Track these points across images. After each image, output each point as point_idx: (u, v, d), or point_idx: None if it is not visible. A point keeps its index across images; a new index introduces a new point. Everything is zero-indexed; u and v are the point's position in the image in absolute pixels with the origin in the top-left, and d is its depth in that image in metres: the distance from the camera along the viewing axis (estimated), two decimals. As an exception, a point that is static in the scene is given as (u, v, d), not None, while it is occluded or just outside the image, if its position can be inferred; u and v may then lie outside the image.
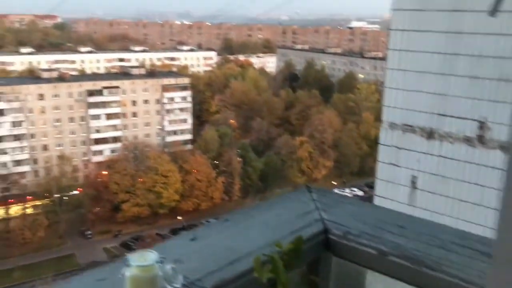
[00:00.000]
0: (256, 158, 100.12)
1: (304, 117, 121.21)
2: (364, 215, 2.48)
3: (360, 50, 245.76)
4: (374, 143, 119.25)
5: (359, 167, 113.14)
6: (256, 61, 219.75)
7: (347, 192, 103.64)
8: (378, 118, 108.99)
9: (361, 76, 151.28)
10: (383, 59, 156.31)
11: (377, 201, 8.85)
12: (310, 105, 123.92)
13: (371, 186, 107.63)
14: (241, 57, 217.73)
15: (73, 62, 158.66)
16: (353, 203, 2.75)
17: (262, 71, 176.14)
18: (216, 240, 2.12)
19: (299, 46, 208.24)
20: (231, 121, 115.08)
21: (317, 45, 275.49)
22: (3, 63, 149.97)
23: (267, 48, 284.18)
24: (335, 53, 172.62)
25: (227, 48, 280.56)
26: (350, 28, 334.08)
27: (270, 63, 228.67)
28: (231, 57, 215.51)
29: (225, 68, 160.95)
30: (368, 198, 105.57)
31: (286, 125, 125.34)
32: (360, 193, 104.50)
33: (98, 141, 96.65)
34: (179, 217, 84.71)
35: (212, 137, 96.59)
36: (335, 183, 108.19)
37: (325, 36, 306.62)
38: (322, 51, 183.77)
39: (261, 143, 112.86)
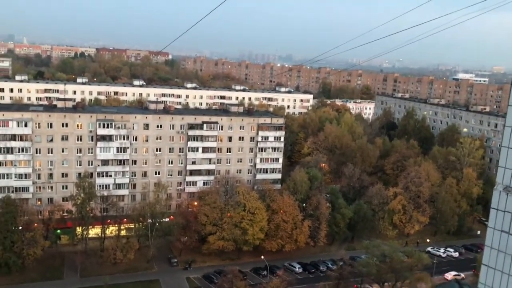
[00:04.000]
0: (346, 205, 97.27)
1: (399, 167, 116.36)
2: None
3: (465, 103, 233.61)
4: (475, 202, 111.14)
5: (457, 226, 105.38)
6: (353, 106, 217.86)
7: (441, 252, 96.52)
8: (481, 176, 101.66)
9: (464, 130, 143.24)
10: (490, 113, 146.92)
11: (484, 270, 7.87)
12: (407, 155, 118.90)
13: (468, 248, 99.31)
14: (338, 102, 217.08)
15: (178, 96, 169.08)
16: None
17: (358, 116, 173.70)
18: None
19: (399, 94, 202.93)
20: (322, 164, 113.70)
21: (418, 95, 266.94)
22: (117, 92, 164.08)
23: (366, 94, 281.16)
24: (437, 104, 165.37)
25: (325, 91, 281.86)
26: (456, 79, 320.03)
27: (367, 109, 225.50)
28: (328, 100, 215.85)
29: (321, 111, 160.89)
30: (465, 261, 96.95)
31: (379, 174, 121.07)
32: (456, 254, 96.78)
33: (192, 172, 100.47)
34: (262, 257, 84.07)
35: (301, 179, 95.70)
36: (429, 240, 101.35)
37: (428, 86, 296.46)
38: (424, 101, 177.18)
39: (352, 190, 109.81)
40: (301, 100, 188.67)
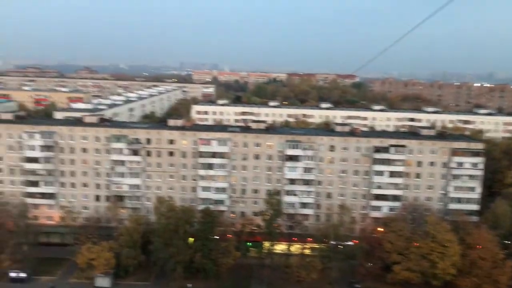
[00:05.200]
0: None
1: None
2: None
3: None
4: None
5: None
6: None
7: None
8: None
9: None
10: None
11: None
12: None
13: None
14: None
15: (364, 118, 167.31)
16: None
17: None
18: None
19: None
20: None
21: None
22: (305, 115, 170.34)
23: None
24: None
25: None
26: None
27: None
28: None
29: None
30: None
31: None
32: None
33: (378, 197, 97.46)
34: (453, 294, 76.51)
35: (504, 212, 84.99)
36: None
37: None
38: None
39: None
40: (504, 123, 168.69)
